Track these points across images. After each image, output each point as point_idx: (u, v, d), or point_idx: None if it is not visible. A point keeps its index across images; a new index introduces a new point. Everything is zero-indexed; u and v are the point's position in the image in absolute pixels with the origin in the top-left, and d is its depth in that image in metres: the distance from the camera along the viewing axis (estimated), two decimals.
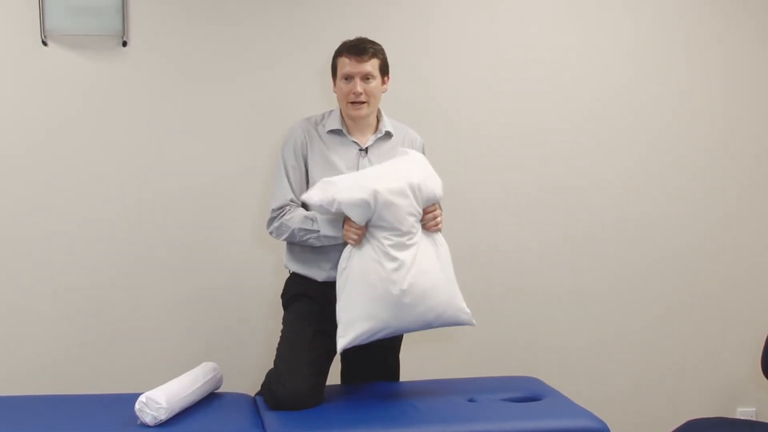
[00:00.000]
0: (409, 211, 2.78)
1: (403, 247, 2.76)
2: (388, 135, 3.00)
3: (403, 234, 2.76)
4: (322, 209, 2.78)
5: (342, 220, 2.81)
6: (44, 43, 3.35)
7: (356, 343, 2.73)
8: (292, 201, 2.92)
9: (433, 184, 2.87)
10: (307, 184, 2.94)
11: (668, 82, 3.80)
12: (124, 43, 3.40)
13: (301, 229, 2.87)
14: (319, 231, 2.85)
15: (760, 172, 3.89)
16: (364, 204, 2.73)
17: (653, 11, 3.77)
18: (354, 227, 2.77)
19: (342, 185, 2.76)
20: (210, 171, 3.50)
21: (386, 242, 2.75)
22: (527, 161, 3.72)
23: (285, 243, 3.02)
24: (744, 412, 3.92)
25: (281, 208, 2.92)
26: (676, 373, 3.88)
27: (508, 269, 3.74)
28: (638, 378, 3.86)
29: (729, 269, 3.89)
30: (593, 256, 3.79)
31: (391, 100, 3.37)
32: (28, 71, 3.36)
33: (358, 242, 2.77)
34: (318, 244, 2.88)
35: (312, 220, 2.86)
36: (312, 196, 2.78)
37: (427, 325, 2.80)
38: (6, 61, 3.35)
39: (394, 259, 2.73)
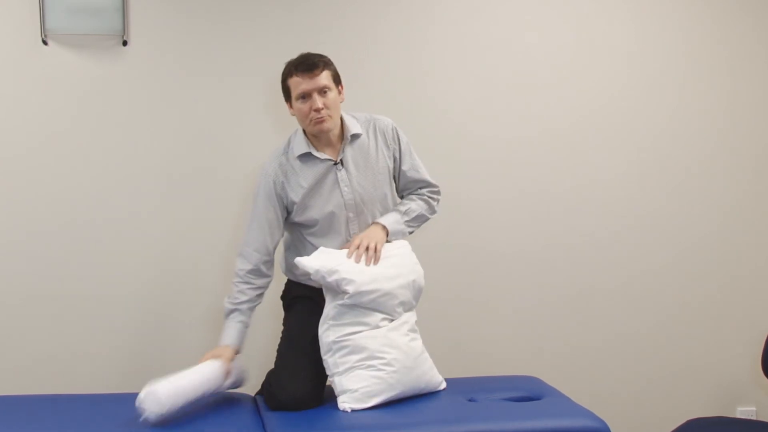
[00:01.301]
0: (402, 300, 2.87)
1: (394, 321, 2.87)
2: (356, 136, 2.96)
3: (394, 318, 2.87)
4: (318, 275, 2.79)
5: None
6: (44, 43, 3.35)
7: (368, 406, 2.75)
8: (256, 251, 2.93)
9: (421, 276, 2.96)
10: (289, 215, 2.96)
11: (667, 82, 3.79)
12: (125, 43, 3.40)
13: (226, 304, 2.96)
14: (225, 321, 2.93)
15: (761, 172, 3.88)
16: (373, 291, 2.80)
17: (652, 10, 3.76)
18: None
19: (348, 264, 2.81)
20: (211, 170, 3.50)
21: (381, 323, 2.83)
22: (527, 161, 3.71)
23: (282, 251, 3.08)
24: (744, 411, 3.92)
25: (241, 256, 2.96)
26: (676, 373, 3.88)
27: (508, 269, 3.74)
28: (638, 377, 3.86)
29: (729, 269, 3.89)
30: (593, 257, 3.79)
31: (388, 100, 3.39)
32: (28, 71, 3.36)
33: None
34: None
35: (227, 312, 2.94)
36: (311, 263, 2.81)
37: (418, 391, 2.86)
38: (6, 60, 3.35)
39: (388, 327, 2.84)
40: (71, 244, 3.42)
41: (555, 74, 3.71)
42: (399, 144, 3.02)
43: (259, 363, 3.43)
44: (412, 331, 2.89)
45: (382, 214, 2.98)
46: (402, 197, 3.09)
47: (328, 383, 2.91)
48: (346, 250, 2.87)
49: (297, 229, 2.98)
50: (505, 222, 3.72)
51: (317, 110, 2.82)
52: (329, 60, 2.90)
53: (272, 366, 2.96)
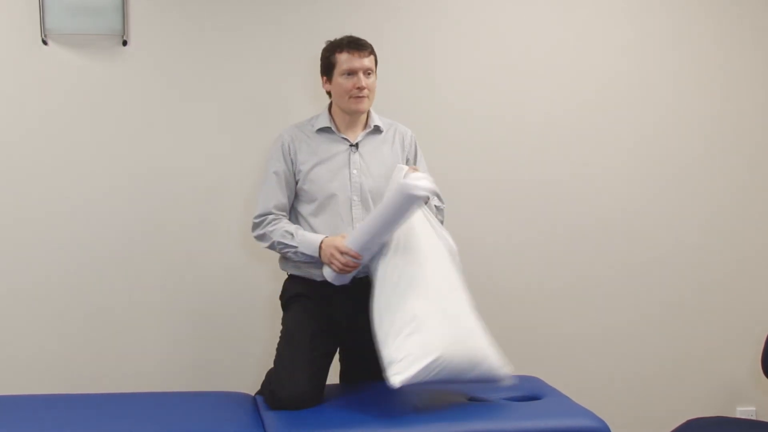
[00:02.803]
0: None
1: None
2: (377, 130, 3.02)
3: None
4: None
5: (318, 243, 2.84)
6: (44, 43, 3.35)
7: (417, 379, 2.62)
8: (275, 208, 2.94)
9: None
10: (296, 184, 2.97)
11: (662, 78, 3.79)
12: (124, 43, 3.40)
13: (280, 242, 2.91)
14: (297, 247, 2.88)
15: (760, 168, 3.88)
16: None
17: (647, 6, 3.76)
18: (348, 261, 2.77)
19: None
20: (209, 170, 3.50)
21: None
22: (527, 159, 3.71)
23: None
24: (744, 411, 3.92)
25: (263, 216, 2.96)
26: (676, 373, 3.88)
27: (508, 268, 3.74)
28: (638, 377, 3.86)
29: (729, 267, 3.89)
30: (593, 256, 3.79)
31: (383, 95, 3.37)
32: (28, 70, 3.36)
33: (344, 271, 2.80)
34: (295, 258, 2.92)
35: (291, 234, 2.90)
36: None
37: (474, 366, 2.71)
38: (6, 60, 3.34)
39: None
40: (70, 242, 3.42)
41: (549, 69, 3.71)
42: (415, 152, 3.09)
43: (258, 363, 3.43)
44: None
45: None
46: None
47: (328, 383, 2.91)
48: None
49: (297, 211, 3.00)
50: (504, 221, 3.72)
51: (360, 88, 2.90)
52: (373, 47, 2.98)
53: (272, 366, 2.95)
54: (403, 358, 2.62)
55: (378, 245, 2.78)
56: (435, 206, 3.08)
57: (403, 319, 2.67)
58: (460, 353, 2.68)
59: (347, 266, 2.79)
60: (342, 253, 2.78)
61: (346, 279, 2.85)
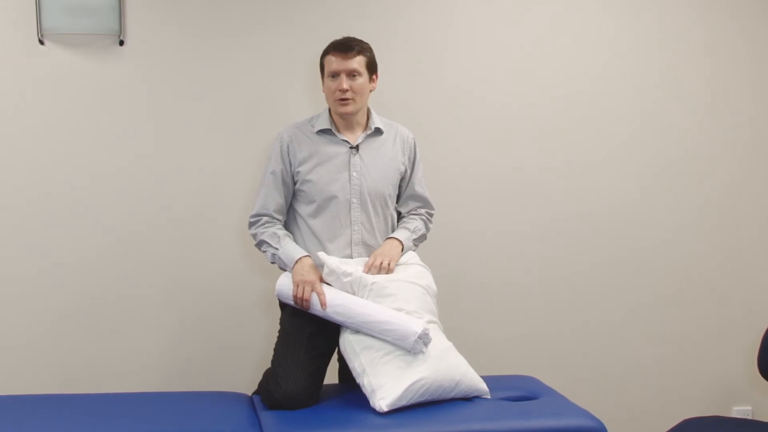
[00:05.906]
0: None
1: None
2: (378, 132, 3.02)
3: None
4: (335, 275, 2.85)
5: (299, 257, 2.88)
6: (41, 42, 3.34)
7: (403, 402, 2.69)
8: (272, 209, 2.97)
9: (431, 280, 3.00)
10: (294, 184, 2.98)
11: (649, 72, 3.78)
12: (121, 42, 3.40)
13: (265, 242, 2.96)
14: (278, 250, 2.92)
15: (755, 164, 3.89)
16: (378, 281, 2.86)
17: (646, 6, 3.76)
18: (307, 304, 2.81)
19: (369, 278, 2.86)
20: (207, 169, 3.50)
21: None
22: (523, 158, 3.71)
23: None
24: (740, 411, 3.93)
25: (258, 216, 2.99)
26: (673, 372, 3.89)
27: (505, 268, 3.74)
28: (635, 377, 3.86)
29: (726, 267, 3.90)
30: (589, 255, 3.79)
31: (382, 93, 3.39)
32: (24, 70, 3.35)
33: (303, 304, 2.83)
34: (270, 259, 2.97)
35: (278, 238, 2.94)
36: (335, 261, 2.87)
37: (456, 384, 2.78)
38: (3, 60, 3.34)
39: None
40: (68, 242, 3.42)
41: (551, 71, 3.71)
42: (414, 155, 3.09)
43: (255, 362, 3.44)
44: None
45: (382, 214, 3.01)
46: (399, 214, 3.13)
47: (327, 382, 2.91)
48: (361, 263, 2.91)
49: (296, 211, 3.01)
50: (500, 220, 3.72)
51: (342, 91, 2.90)
52: (368, 47, 2.97)
53: (269, 365, 2.96)
54: (386, 382, 2.70)
55: (342, 319, 2.80)
56: (426, 218, 3.13)
57: (381, 349, 2.75)
58: (441, 372, 2.75)
59: (304, 301, 2.82)
60: (312, 291, 2.81)
61: (288, 300, 2.89)
